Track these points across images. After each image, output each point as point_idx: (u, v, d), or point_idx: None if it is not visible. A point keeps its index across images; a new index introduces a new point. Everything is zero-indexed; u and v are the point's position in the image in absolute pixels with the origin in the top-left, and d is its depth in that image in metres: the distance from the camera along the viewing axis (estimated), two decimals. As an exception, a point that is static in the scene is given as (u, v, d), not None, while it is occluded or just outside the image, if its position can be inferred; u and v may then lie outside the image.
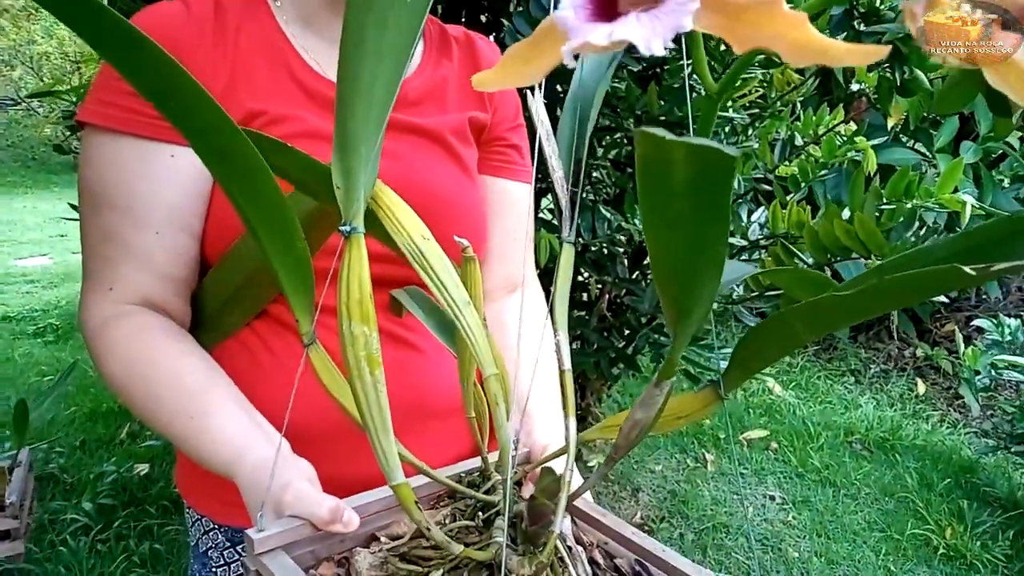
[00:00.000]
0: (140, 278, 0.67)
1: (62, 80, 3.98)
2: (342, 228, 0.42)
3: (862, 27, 1.54)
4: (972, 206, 1.50)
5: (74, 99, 1.79)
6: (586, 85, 0.53)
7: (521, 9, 1.53)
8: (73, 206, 1.74)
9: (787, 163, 2.06)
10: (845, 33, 1.60)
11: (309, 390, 0.54)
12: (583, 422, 2.40)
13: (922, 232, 2.12)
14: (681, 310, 0.39)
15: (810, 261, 1.53)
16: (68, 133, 1.80)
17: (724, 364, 1.61)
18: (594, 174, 2.06)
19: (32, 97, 2.73)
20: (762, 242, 1.80)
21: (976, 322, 3.11)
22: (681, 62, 1.82)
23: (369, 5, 0.36)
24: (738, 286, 1.70)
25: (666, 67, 1.74)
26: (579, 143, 0.52)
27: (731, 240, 1.85)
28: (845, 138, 2.02)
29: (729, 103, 1.74)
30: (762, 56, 1.89)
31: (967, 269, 0.29)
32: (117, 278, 0.67)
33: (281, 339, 0.71)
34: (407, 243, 0.46)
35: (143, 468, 2.21)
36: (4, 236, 6.49)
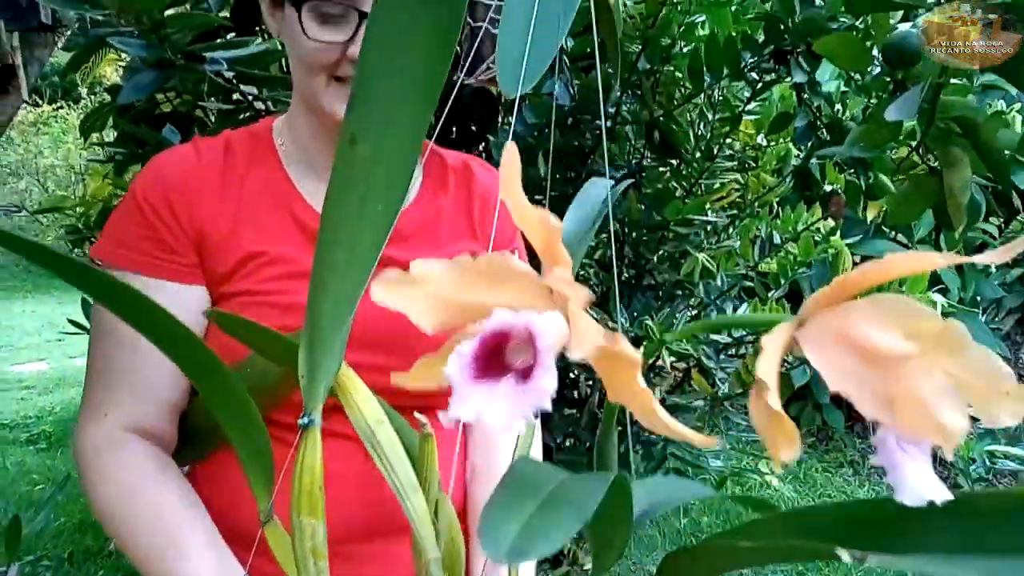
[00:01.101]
0: (133, 403, 0.72)
1: (67, 191, 4.12)
2: (300, 421, 0.46)
3: (826, 137, 1.64)
4: (943, 304, 1.56)
5: (79, 212, 1.87)
6: (570, 241, 0.57)
7: (508, 126, 1.63)
8: (72, 321, 1.79)
9: (768, 260, 2.13)
10: (810, 142, 1.71)
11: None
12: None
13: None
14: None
15: (790, 358, 1.58)
16: (71, 246, 1.87)
17: (715, 463, 1.63)
18: (580, 272, 2.13)
19: (39, 212, 2.83)
20: (747, 338, 1.85)
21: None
22: (659, 168, 1.92)
23: (343, 202, 0.40)
24: (724, 383, 1.73)
25: (643, 174, 1.83)
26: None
27: (716, 337, 1.90)
28: (823, 235, 2.10)
29: (708, 205, 1.83)
30: (737, 161, 1.99)
31: (843, 555, 0.29)
32: (112, 403, 0.72)
33: None
34: (362, 426, 0.50)
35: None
36: (2, 341, 6.51)
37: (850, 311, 0.30)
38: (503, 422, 0.27)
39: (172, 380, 0.73)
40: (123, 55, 2.40)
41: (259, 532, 0.54)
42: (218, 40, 1.12)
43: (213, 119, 1.77)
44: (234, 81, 1.12)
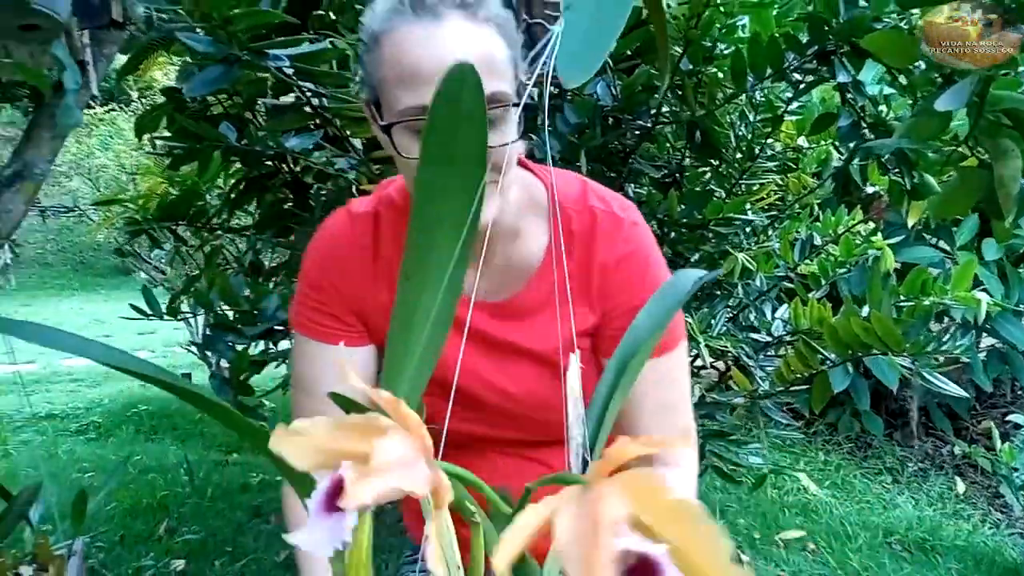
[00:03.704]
0: None
1: (122, 189, 4.26)
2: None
3: (870, 137, 1.64)
4: (988, 303, 1.55)
5: (137, 205, 1.94)
6: (643, 332, 0.58)
7: (549, 128, 1.66)
8: (135, 308, 1.86)
9: (808, 262, 2.13)
10: (854, 142, 1.71)
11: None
12: None
13: (950, 328, 2.15)
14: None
15: (832, 356, 1.58)
16: (129, 237, 1.95)
17: (754, 460, 1.64)
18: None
19: (98, 205, 2.96)
20: (786, 338, 1.85)
21: (1011, 418, 3.06)
22: (700, 168, 1.94)
23: (401, 318, 0.47)
24: (764, 380, 1.74)
25: (684, 174, 1.85)
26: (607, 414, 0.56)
27: (755, 336, 1.90)
28: (864, 237, 2.09)
29: (748, 205, 1.83)
30: (777, 162, 2.00)
31: None
32: None
33: None
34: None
35: (179, 564, 2.24)
36: (51, 336, 6.71)
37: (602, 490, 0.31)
38: (316, 548, 0.32)
39: None
40: (173, 58, 2.49)
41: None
42: (278, 38, 1.16)
43: (263, 120, 1.84)
44: (293, 77, 1.17)
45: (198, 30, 1.03)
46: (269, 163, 1.93)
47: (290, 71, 1.15)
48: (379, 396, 0.35)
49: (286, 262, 2.15)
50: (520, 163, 0.81)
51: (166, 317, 1.59)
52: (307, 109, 1.49)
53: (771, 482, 3.27)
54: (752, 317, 2.03)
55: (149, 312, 1.56)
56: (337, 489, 0.32)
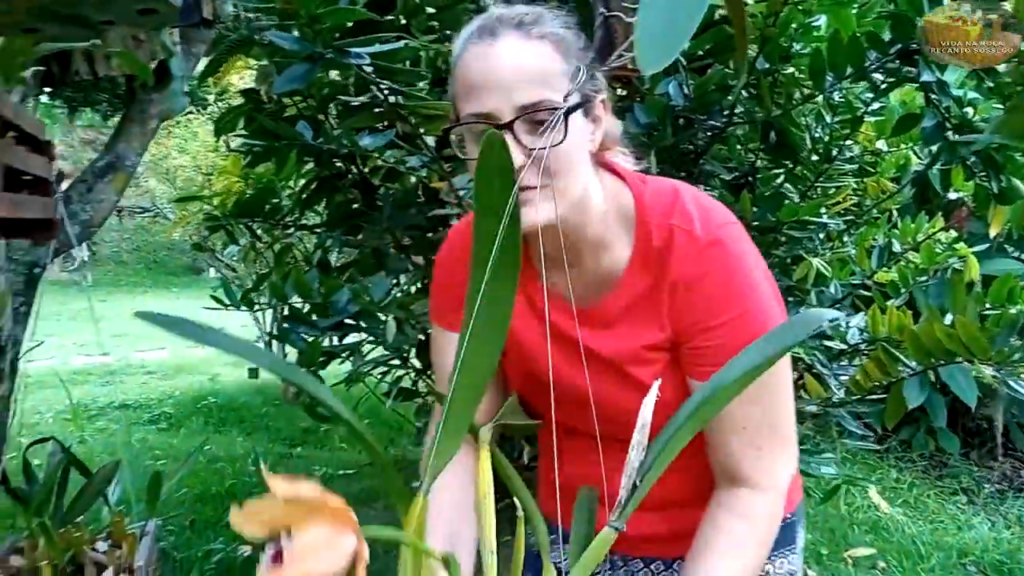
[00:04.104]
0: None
1: (200, 189, 4.42)
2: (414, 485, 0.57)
3: (955, 138, 1.58)
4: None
5: (216, 202, 2.01)
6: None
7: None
8: (215, 298, 1.91)
9: (885, 269, 2.06)
10: (938, 144, 1.64)
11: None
12: None
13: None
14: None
15: (913, 364, 1.52)
16: (208, 232, 2.02)
17: (826, 470, 1.59)
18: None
19: (180, 201, 3.08)
20: (862, 347, 1.79)
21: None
22: (773, 170, 1.89)
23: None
24: (838, 388, 1.69)
25: (758, 175, 1.81)
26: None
27: (829, 344, 1.85)
28: (946, 245, 2.01)
29: (823, 209, 1.79)
30: (855, 165, 1.94)
31: None
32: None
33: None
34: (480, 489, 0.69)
35: (246, 550, 2.30)
36: (126, 330, 7.01)
37: None
38: None
39: None
40: (251, 62, 2.57)
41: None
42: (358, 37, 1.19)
43: (335, 121, 1.88)
44: (372, 75, 1.19)
45: (284, 28, 1.06)
46: (339, 164, 1.98)
47: (369, 69, 1.17)
48: (301, 491, 0.42)
49: (355, 261, 2.19)
50: (615, 172, 0.83)
51: (243, 308, 1.64)
52: (378, 109, 1.53)
53: (840, 497, 3.17)
54: (825, 325, 1.97)
55: (227, 303, 1.61)
56: (278, 556, 0.40)
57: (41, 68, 1.13)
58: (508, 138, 0.70)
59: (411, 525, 0.54)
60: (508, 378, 0.95)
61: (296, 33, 1.03)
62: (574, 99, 0.73)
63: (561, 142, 0.71)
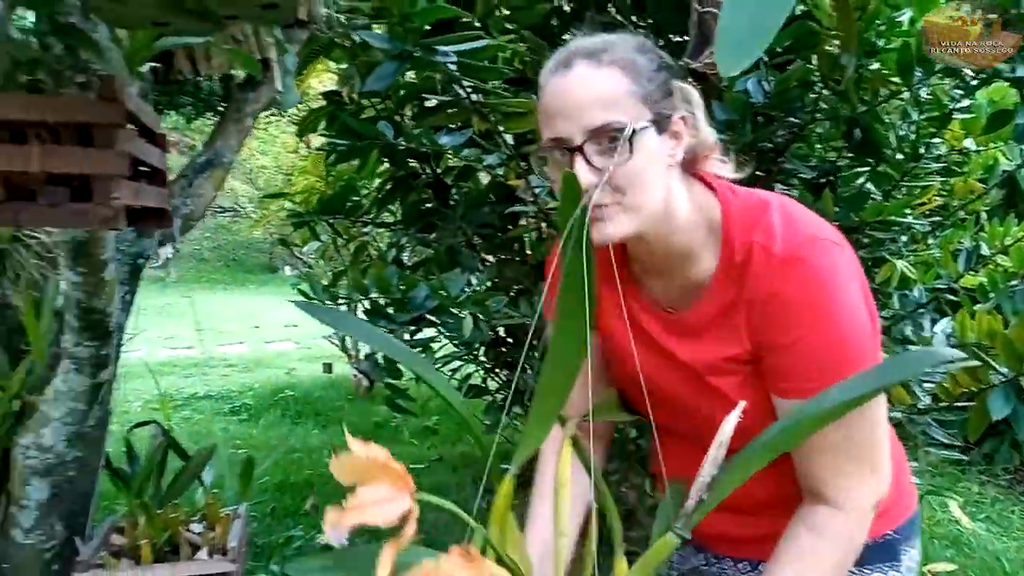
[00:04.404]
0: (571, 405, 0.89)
1: (282, 188, 4.59)
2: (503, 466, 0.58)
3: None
4: None
5: (299, 199, 2.09)
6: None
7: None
8: (295, 298, 1.98)
9: (972, 273, 1.98)
10: (1034, 141, 1.58)
11: None
12: None
13: None
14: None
15: (1003, 370, 1.47)
16: (293, 228, 2.10)
17: (912, 479, 1.53)
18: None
19: (267, 198, 3.21)
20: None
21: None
22: (856, 168, 1.85)
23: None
24: (924, 395, 1.63)
25: (841, 173, 1.77)
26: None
27: (913, 349, 1.79)
28: (1040, 248, 1.92)
29: (908, 209, 1.73)
30: (943, 164, 1.87)
31: None
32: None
33: None
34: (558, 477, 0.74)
35: (325, 538, 2.37)
36: (207, 325, 7.30)
37: None
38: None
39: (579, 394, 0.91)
40: (331, 65, 2.66)
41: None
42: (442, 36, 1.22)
43: (410, 121, 1.93)
44: (457, 72, 1.23)
45: (375, 27, 1.10)
46: (413, 163, 2.04)
47: (453, 67, 1.21)
48: (372, 453, 0.50)
49: (428, 258, 2.24)
50: (707, 183, 0.84)
51: (326, 302, 1.70)
52: (453, 109, 1.56)
53: (920, 509, 3.05)
54: (908, 331, 1.91)
55: (312, 296, 1.67)
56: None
57: (157, 65, 1.20)
58: (579, 160, 0.75)
59: (499, 501, 0.58)
60: (614, 376, 0.98)
61: (385, 32, 1.07)
62: (644, 118, 0.76)
63: (628, 160, 0.74)
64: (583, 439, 0.84)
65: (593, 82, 0.76)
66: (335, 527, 0.46)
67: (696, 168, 0.85)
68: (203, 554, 1.36)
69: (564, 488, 0.72)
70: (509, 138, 1.61)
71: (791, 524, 0.82)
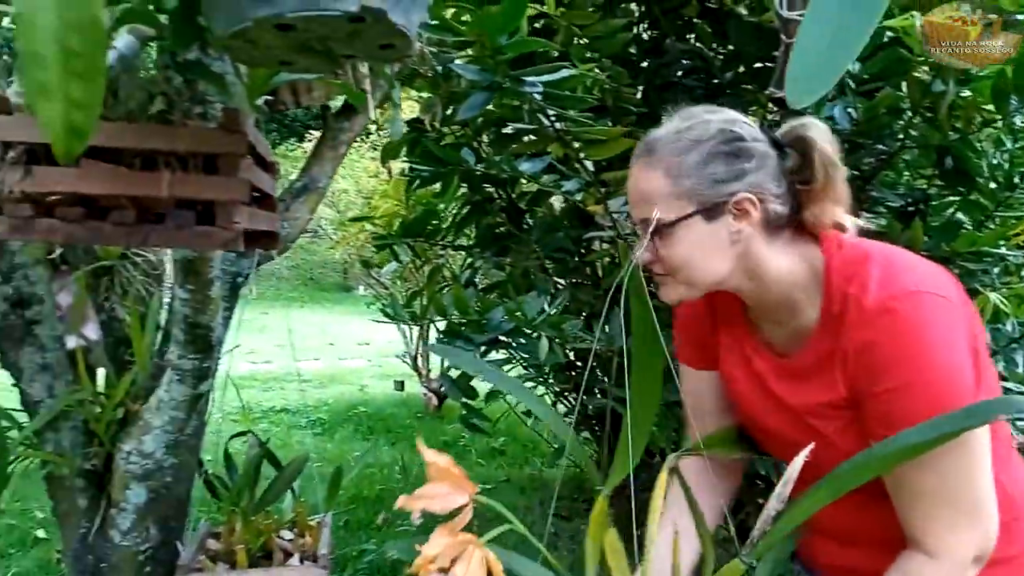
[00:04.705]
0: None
1: (361, 211, 4.75)
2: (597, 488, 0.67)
3: None
4: None
5: (382, 222, 2.16)
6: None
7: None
8: (380, 307, 2.04)
9: (1072, 308, 1.89)
10: None
11: None
12: None
13: None
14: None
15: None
16: (376, 250, 2.17)
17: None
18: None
19: (352, 221, 3.33)
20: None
21: None
22: (947, 198, 1.79)
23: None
24: (1015, 435, 1.56)
25: (931, 202, 1.72)
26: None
27: (1007, 385, 1.72)
28: None
29: (1002, 240, 1.67)
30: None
31: None
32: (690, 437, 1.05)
33: None
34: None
35: (395, 552, 2.42)
36: (285, 341, 7.54)
37: None
38: None
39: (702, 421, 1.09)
40: (412, 93, 2.75)
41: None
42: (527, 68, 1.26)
43: (487, 148, 1.99)
44: (543, 102, 1.26)
45: (458, 58, 1.15)
46: (489, 188, 2.11)
47: (538, 97, 1.24)
48: (439, 459, 0.69)
49: (503, 280, 2.28)
50: (817, 237, 0.90)
51: (406, 322, 1.75)
52: (529, 137, 1.60)
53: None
54: (1000, 366, 1.84)
55: (392, 315, 1.73)
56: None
57: (270, 97, 1.29)
58: (639, 240, 0.90)
59: (595, 521, 0.62)
60: (736, 415, 1.08)
61: (475, 64, 1.12)
62: (683, 212, 0.86)
63: (658, 247, 0.88)
64: (701, 474, 0.98)
65: (640, 181, 0.89)
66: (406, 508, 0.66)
67: (807, 223, 0.90)
68: (295, 560, 1.40)
69: (653, 515, 0.76)
70: (589, 164, 1.63)
71: (889, 569, 0.83)
